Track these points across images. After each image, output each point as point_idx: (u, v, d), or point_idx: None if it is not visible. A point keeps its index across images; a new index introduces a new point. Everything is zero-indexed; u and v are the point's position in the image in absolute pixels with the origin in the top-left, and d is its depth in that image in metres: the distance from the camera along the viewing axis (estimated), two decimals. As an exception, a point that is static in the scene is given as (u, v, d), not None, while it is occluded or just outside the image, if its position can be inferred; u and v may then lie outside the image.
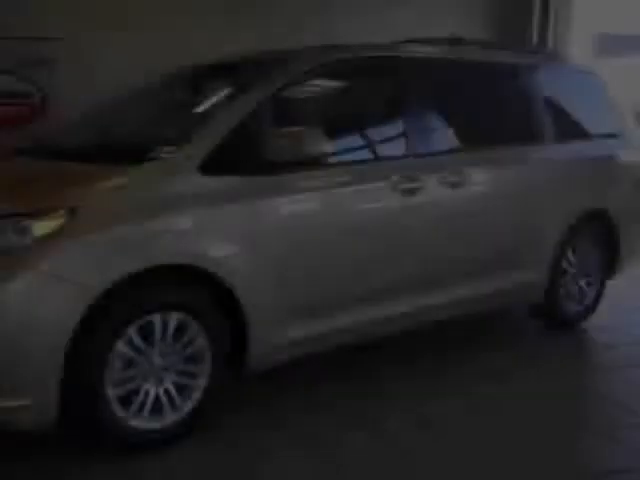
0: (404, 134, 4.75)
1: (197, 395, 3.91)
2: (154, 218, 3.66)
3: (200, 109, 4.66)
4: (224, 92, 4.65)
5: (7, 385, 3.35)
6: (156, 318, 3.70)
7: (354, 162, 4.53)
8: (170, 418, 3.83)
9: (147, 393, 3.76)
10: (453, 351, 5.42)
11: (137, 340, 3.66)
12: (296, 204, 4.17)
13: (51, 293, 3.36)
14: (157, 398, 3.79)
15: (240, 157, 3.99)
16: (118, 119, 5.06)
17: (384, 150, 4.78)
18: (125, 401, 3.69)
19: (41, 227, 3.41)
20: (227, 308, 3.93)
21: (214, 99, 4.65)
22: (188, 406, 3.90)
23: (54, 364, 3.38)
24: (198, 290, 3.84)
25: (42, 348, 3.35)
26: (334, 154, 4.28)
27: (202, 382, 3.92)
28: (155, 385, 3.78)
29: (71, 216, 3.44)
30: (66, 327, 3.38)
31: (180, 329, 3.80)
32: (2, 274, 3.31)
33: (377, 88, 4.98)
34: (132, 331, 3.63)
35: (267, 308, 4.03)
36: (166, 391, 3.82)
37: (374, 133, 4.80)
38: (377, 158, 4.72)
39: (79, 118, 5.28)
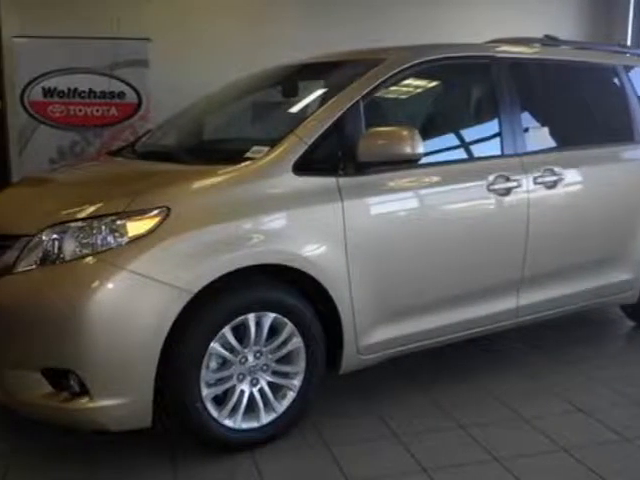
0: (498, 134, 4.62)
1: (292, 395, 3.88)
2: (247, 218, 3.63)
3: (294, 109, 4.64)
4: (317, 92, 4.60)
5: (103, 384, 3.37)
6: (250, 318, 3.67)
7: (449, 162, 4.42)
8: (265, 418, 3.80)
9: (242, 393, 3.74)
10: (542, 346, 5.39)
11: (232, 340, 3.64)
12: (390, 205, 4.10)
13: (146, 294, 3.37)
14: (252, 398, 3.77)
15: (333, 157, 3.94)
16: (210, 120, 5.08)
17: (479, 150, 4.66)
18: (220, 401, 3.69)
19: (136, 227, 3.43)
20: (322, 309, 3.90)
21: (308, 99, 4.61)
22: (283, 406, 3.86)
23: (149, 364, 3.39)
24: (292, 290, 3.81)
25: (137, 348, 3.36)
26: (429, 154, 4.17)
27: (297, 382, 3.88)
28: (250, 385, 3.76)
29: (166, 216, 3.45)
30: (161, 328, 3.38)
31: (274, 329, 3.77)
32: (98, 274, 3.34)
33: (470, 88, 4.88)
34: (226, 331, 3.61)
35: (361, 309, 3.96)
36: (261, 391, 3.79)
37: (468, 133, 4.70)
38: (472, 158, 4.61)
39: (172, 119, 5.31)
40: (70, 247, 3.43)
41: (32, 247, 3.49)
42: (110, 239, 3.41)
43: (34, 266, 3.45)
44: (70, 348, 3.34)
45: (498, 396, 4.50)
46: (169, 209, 3.46)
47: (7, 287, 3.51)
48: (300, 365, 3.87)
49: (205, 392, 3.60)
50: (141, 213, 3.44)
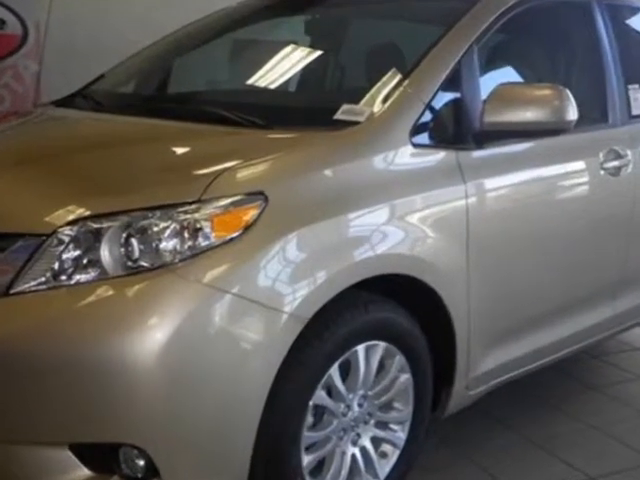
0: (611, 98, 3.67)
1: (396, 453, 2.83)
2: (366, 209, 2.53)
3: (383, 55, 3.48)
4: (409, 33, 3.52)
5: (184, 463, 2.21)
6: (360, 351, 2.58)
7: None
8: (369, 486, 2.72)
9: (342, 456, 2.65)
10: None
11: (338, 384, 2.55)
12: (520, 188, 3.12)
13: (244, 324, 2.22)
14: (352, 461, 2.69)
15: (449, 123, 2.90)
16: (261, 61, 3.66)
17: (593, 118, 3.66)
18: (313, 471, 2.58)
19: (224, 223, 2.25)
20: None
21: (398, 42, 3.47)
22: (386, 469, 2.80)
23: (249, 425, 2.27)
24: (401, 310, 2.73)
25: (233, 404, 2.23)
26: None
27: (403, 434, 2.83)
28: (351, 443, 2.67)
29: (264, 206, 2.29)
30: (266, 373, 2.26)
31: (381, 364, 2.70)
32: (167, 297, 2.14)
33: (573, 39, 3.85)
34: (334, 372, 2.51)
35: (476, 328, 2.95)
36: (362, 450, 2.72)
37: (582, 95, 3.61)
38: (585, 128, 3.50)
39: (145, 58, 3.88)
40: (114, 254, 2.20)
41: (44, 253, 2.22)
42: (183, 242, 2.22)
43: (48, 284, 2.20)
44: (126, 413, 2.14)
45: (600, 427, 3.72)
46: (266, 196, 2.28)
47: None
48: (407, 411, 2.83)
49: (305, 461, 2.49)
50: (233, 203, 2.27)
